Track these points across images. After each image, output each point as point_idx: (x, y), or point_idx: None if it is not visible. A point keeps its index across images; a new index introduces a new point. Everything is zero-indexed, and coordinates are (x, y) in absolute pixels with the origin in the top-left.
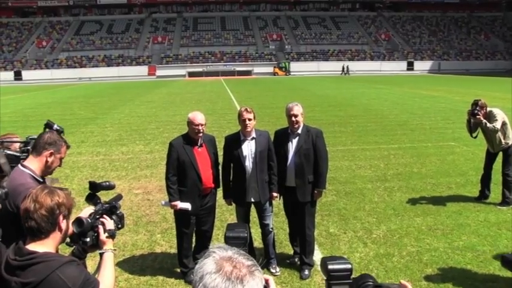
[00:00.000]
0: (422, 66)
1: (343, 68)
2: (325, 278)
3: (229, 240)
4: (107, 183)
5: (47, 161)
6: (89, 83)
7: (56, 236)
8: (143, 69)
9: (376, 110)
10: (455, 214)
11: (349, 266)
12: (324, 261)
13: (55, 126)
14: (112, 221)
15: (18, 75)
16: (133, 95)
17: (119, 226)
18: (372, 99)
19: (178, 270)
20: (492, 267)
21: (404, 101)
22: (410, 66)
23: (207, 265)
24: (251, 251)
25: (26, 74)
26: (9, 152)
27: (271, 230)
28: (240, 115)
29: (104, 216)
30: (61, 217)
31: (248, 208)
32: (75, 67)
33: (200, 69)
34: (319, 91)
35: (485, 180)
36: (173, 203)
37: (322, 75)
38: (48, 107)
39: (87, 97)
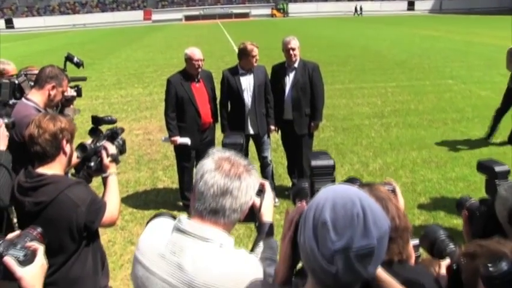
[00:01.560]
0: (423, 6)
1: (355, 9)
2: (307, 172)
3: (226, 146)
4: (109, 117)
5: (49, 94)
6: (83, 29)
7: (61, 159)
8: (138, 14)
9: (375, 49)
10: (450, 148)
11: (331, 162)
12: (307, 158)
13: (75, 59)
14: (114, 146)
15: (9, 23)
16: (130, 40)
17: (121, 151)
18: (371, 40)
19: (181, 203)
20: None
21: (404, 41)
22: (410, 6)
23: (207, 164)
24: None
25: (17, 22)
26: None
27: (269, 162)
28: (249, 50)
29: (106, 141)
30: (64, 141)
31: (247, 141)
32: (68, 13)
33: (197, 13)
34: (317, 32)
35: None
36: (173, 139)
37: (322, 16)
38: (44, 55)
39: (83, 43)
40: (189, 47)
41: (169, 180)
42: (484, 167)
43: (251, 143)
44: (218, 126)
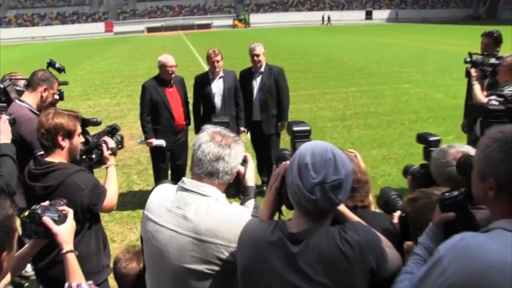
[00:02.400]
0: (381, 15)
1: (323, 18)
2: (290, 137)
3: (215, 124)
4: (95, 119)
5: (41, 96)
6: (43, 42)
7: (60, 152)
8: (100, 26)
9: (336, 57)
10: (407, 145)
11: (308, 127)
12: (290, 125)
13: (57, 65)
14: (113, 140)
15: None
16: (93, 52)
17: (119, 146)
18: (332, 47)
19: None
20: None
21: (363, 49)
22: (368, 15)
23: (203, 137)
24: None
25: None
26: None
27: None
28: (209, 56)
29: (106, 136)
30: (59, 137)
31: None
32: (26, 26)
33: (159, 24)
34: (279, 41)
35: None
36: (149, 141)
37: (283, 26)
38: (6, 67)
39: (44, 56)
40: (163, 54)
41: (144, 183)
42: (421, 138)
43: None
44: (191, 128)
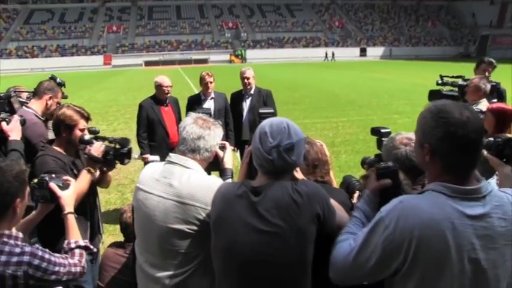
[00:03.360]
0: (375, 52)
1: (326, 54)
2: (257, 118)
3: (199, 111)
4: (94, 128)
5: (46, 103)
6: (42, 73)
7: (61, 141)
8: (98, 59)
9: (328, 90)
10: None
11: (271, 110)
12: (258, 110)
13: (58, 80)
14: (103, 146)
15: None
16: (91, 83)
17: (111, 157)
18: (325, 82)
19: None
20: None
21: (355, 83)
22: (363, 52)
23: (187, 120)
24: None
25: None
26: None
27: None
28: (202, 78)
29: (99, 140)
30: (62, 127)
31: None
32: (26, 57)
33: (157, 58)
34: (275, 76)
35: None
36: (144, 156)
37: (278, 62)
38: None
39: None
40: (159, 76)
41: None
42: (374, 131)
43: None
44: None
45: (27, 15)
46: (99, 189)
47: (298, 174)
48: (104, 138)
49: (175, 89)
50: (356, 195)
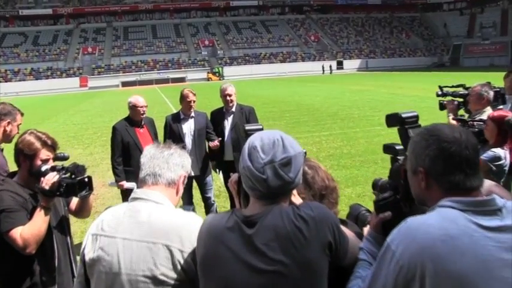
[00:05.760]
0: (352, 65)
1: (323, 68)
2: (243, 135)
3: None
4: (62, 154)
5: (5, 130)
6: (16, 97)
7: (21, 171)
8: (74, 81)
9: (308, 104)
10: None
11: (260, 126)
12: (243, 127)
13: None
14: (56, 177)
15: None
16: (67, 106)
17: (64, 189)
18: (304, 96)
19: None
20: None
21: (335, 96)
22: (340, 65)
23: (147, 147)
24: None
25: None
26: None
27: (213, 202)
28: (185, 96)
29: (52, 171)
30: (21, 157)
31: (190, 182)
32: None
33: (134, 79)
34: (253, 92)
35: None
36: (120, 183)
37: (256, 78)
38: None
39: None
40: (133, 95)
41: None
42: (388, 148)
43: (195, 184)
44: None
45: None
46: (73, 219)
47: (296, 198)
48: (53, 168)
49: (154, 109)
50: (367, 228)
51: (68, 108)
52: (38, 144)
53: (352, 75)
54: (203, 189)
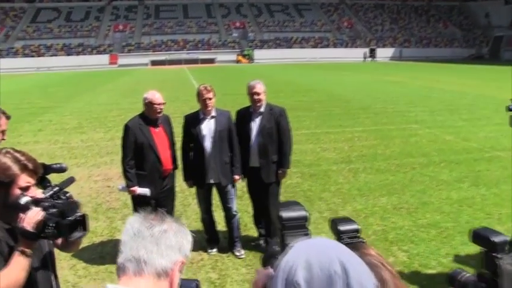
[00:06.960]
0: (384, 53)
1: (364, 54)
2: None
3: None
4: (58, 165)
5: None
6: (47, 72)
7: None
8: (104, 58)
9: (340, 95)
10: (419, 193)
11: (304, 213)
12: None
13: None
14: (40, 214)
15: None
16: (95, 84)
17: (51, 225)
18: (335, 85)
19: None
20: (454, 242)
21: (367, 87)
22: (372, 53)
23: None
24: (214, 234)
25: None
26: None
27: (234, 213)
28: (199, 94)
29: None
30: None
31: (208, 190)
32: (32, 56)
33: (163, 58)
34: (283, 78)
35: None
36: (132, 189)
37: (286, 63)
38: (4, 97)
39: (46, 86)
40: (149, 91)
41: None
42: (478, 236)
43: (214, 192)
44: (178, 172)
45: (34, 14)
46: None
47: None
48: (37, 202)
49: (180, 91)
50: None
51: (95, 87)
52: (15, 169)
53: (385, 65)
54: (224, 199)
